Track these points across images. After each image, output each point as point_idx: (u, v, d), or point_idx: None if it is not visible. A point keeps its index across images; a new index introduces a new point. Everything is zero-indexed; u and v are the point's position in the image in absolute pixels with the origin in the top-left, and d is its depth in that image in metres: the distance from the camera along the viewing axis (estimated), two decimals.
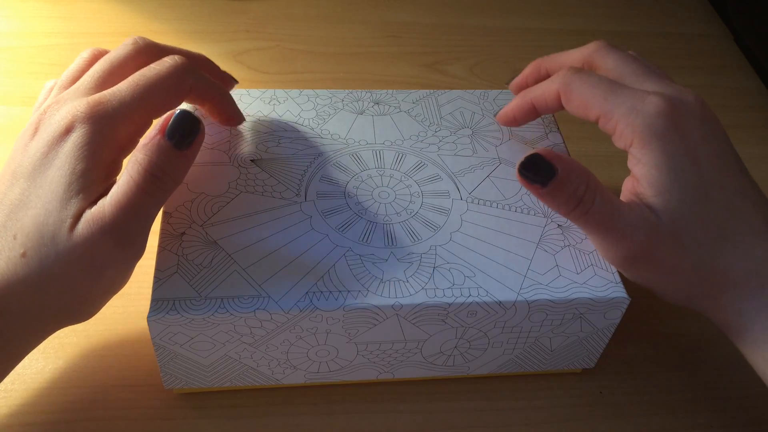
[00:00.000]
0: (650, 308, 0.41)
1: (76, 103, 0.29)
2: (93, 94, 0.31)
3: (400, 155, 0.38)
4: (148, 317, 0.29)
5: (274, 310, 0.30)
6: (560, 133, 0.40)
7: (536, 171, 0.29)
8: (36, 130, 0.30)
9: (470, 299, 0.31)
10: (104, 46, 0.53)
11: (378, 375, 0.35)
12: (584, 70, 0.34)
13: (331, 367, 0.34)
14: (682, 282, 0.31)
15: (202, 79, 0.33)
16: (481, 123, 0.40)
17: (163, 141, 0.29)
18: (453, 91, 0.43)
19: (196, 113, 0.30)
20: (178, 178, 0.30)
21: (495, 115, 0.39)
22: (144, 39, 0.34)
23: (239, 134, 0.38)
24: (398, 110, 0.41)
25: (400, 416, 0.35)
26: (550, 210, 0.35)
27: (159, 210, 0.30)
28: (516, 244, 0.34)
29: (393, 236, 0.33)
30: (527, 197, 0.36)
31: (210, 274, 0.31)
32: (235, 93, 0.40)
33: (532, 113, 0.37)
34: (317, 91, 0.41)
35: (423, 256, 0.33)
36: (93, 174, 0.28)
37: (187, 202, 0.34)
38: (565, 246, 0.34)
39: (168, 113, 0.30)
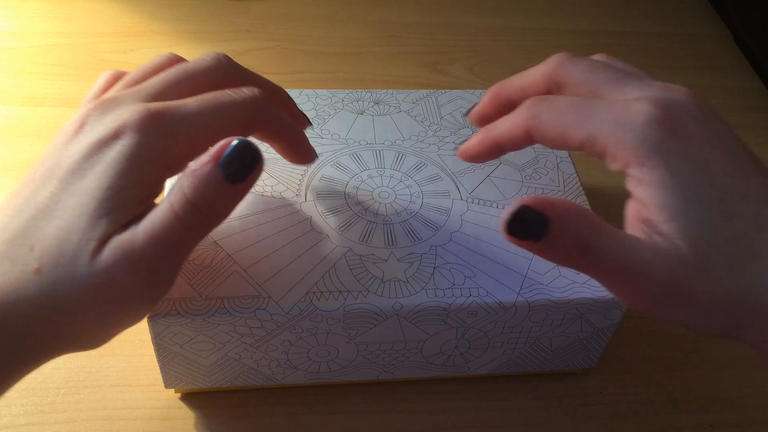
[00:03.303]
0: None
1: (133, 107, 0.26)
2: (156, 101, 0.27)
3: (400, 155, 0.38)
4: (148, 317, 0.29)
5: (274, 310, 0.30)
6: None
7: (526, 227, 0.25)
8: (81, 127, 0.27)
9: (470, 299, 0.31)
10: (104, 47, 0.54)
11: (378, 375, 0.35)
12: (549, 97, 0.29)
13: (331, 367, 0.34)
14: (718, 315, 0.26)
15: (277, 118, 0.30)
16: None
17: (215, 171, 0.25)
18: (453, 91, 0.43)
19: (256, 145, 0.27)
20: (224, 214, 0.26)
21: (455, 150, 0.34)
22: (228, 58, 0.31)
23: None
24: (398, 110, 0.41)
25: (400, 416, 0.35)
26: None
27: (195, 246, 0.26)
28: None
29: (393, 236, 0.33)
30: None
31: (210, 274, 0.31)
32: None
33: (497, 152, 0.31)
34: (317, 91, 0.41)
35: (423, 256, 0.33)
36: (131, 193, 0.25)
37: None
38: None
39: (225, 140, 0.26)
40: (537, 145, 0.39)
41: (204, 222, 0.26)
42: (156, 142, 0.26)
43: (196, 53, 0.55)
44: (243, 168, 0.26)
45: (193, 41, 0.55)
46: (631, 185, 0.27)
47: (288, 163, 0.36)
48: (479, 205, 0.35)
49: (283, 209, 0.34)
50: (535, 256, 0.33)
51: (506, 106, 0.32)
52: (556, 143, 0.29)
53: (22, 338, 0.24)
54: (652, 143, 0.26)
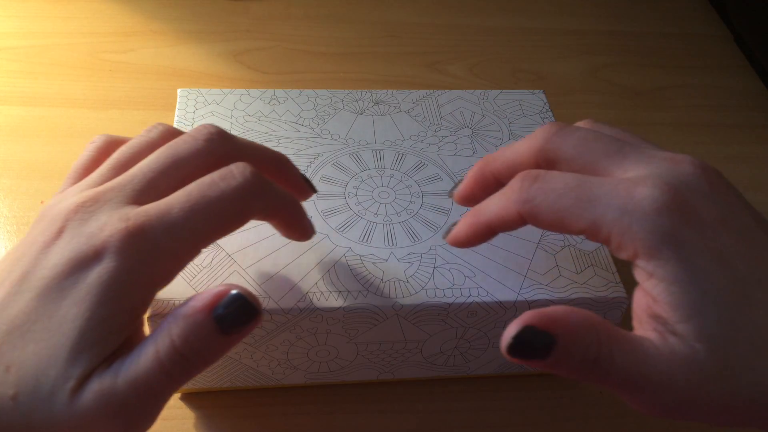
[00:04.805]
0: None
1: (114, 219, 0.24)
2: (139, 200, 0.25)
3: (400, 155, 0.38)
4: (148, 317, 0.29)
5: (274, 310, 0.30)
6: None
7: (530, 349, 0.23)
8: (60, 232, 0.25)
9: (470, 299, 0.31)
10: (104, 47, 0.54)
11: (378, 375, 0.35)
12: (542, 175, 0.26)
13: (331, 368, 0.34)
14: (741, 416, 0.24)
15: (273, 199, 0.27)
16: (481, 123, 0.40)
17: (208, 321, 0.23)
18: (453, 91, 0.43)
19: (252, 298, 0.24)
20: (212, 362, 0.24)
21: (444, 237, 0.31)
22: (220, 134, 0.28)
23: (239, 134, 0.38)
24: (398, 110, 0.41)
25: (400, 416, 0.35)
26: None
27: (179, 388, 0.25)
28: (516, 244, 0.34)
29: (393, 236, 0.33)
30: None
31: (210, 274, 0.31)
32: (235, 93, 0.40)
33: (489, 235, 0.28)
34: (317, 91, 0.41)
35: (423, 256, 0.33)
36: (113, 321, 0.23)
37: None
38: (565, 246, 0.34)
39: (222, 288, 0.24)
40: None
41: (189, 370, 0.24)
42: (139, 264, 0.24)
43: (196, 53, 0.55)
44: (239, 322, 0.24)
45: (193, 41, 0.55)
46: (640, 277, 0.25)
47: None
48: None
49: None
50: (535, 255, 0.33)
51: (492, 185, 0.30)
52: (554, 229, 0.26)
53: None
54: (663, 233, 0.23)
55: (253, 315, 0.24)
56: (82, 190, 0.26)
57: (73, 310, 0.23)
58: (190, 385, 0.33)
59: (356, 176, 0.36)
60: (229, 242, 0.32)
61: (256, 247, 0.32)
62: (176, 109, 0.39)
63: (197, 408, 0.34)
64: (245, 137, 0.37)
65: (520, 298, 0.31)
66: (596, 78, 0.58)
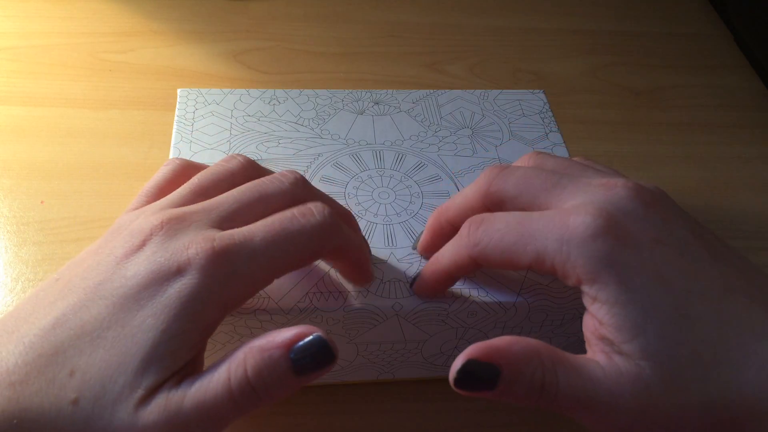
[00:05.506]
0: None
1: (200, 239, 0.25)
2: (223, 225, 0.26)
3: (400, 155, 0.38)
4: None
5: (274, 310, 0.30)
6: (560, 133, 0.40)
7: (477, 381, 0.24)
8: (143, 244, 0.25)
9: (470, 299, 0.31)
10: (104, 47, 0.54)
11: (378, 375, 0.35)
12: (486, 218, 0.28)
13: None
14: (695, 429, 0.24)
15: (345, 240, 0.28)
16: (481, 123, 0.40)
17: (284, 359, 0.24)
18: (453, 91, 0.43)
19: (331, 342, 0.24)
20: (279, 399, 0.24)
21: (411, 286, 0.31)
22: (304, 180, 0.29)
23: (239, 134, 0.38)
24: (398, 110, 0.41)
25: (400, 416, 0.35)
26: None
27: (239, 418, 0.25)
28: None
29: (393, 236, 0.33)
30: None
31: None
32: (235, 93, 0.40)
33: (451, 282, 0.30)
34: (317, 91, 0.41)
35: (423, 256, 0.33)
36: (186, 337, 0.24)
37: None
38: None
39: (301, 329, 0.24)
40: (536, 146, 0.39)
41: (256, 403, 0.24)
42: (218, 285, 0.24)
43: (196, 53, 0.55)
44: (314, 365, 0.24)
45: (193, 41, 0.55)
46: (586, 301, 0.26)
47: (288, 163, 0.36)
48: None
49: None
50: None
51: (449, 233, 0.31)
52: (505, 267, 0.27)
53: None
54: (600, 258, 0.24)
55: (329, 360, 0.24)
56: (164, 209, 0.27)
57: (148, 320, 0.23)
58: None
59: (356, 176, 0.36)
60: None
61: None
62: (176, 109, 0.39)
63: None
64: (245, 137, 0.38)
65: (519, 299, 0.31)
66: (596, 78, 0.58)
